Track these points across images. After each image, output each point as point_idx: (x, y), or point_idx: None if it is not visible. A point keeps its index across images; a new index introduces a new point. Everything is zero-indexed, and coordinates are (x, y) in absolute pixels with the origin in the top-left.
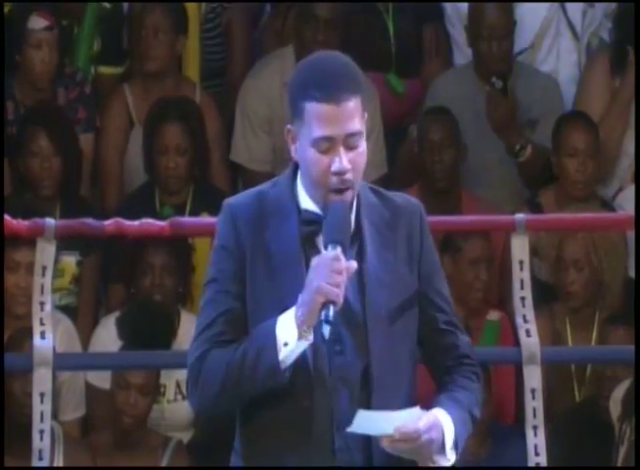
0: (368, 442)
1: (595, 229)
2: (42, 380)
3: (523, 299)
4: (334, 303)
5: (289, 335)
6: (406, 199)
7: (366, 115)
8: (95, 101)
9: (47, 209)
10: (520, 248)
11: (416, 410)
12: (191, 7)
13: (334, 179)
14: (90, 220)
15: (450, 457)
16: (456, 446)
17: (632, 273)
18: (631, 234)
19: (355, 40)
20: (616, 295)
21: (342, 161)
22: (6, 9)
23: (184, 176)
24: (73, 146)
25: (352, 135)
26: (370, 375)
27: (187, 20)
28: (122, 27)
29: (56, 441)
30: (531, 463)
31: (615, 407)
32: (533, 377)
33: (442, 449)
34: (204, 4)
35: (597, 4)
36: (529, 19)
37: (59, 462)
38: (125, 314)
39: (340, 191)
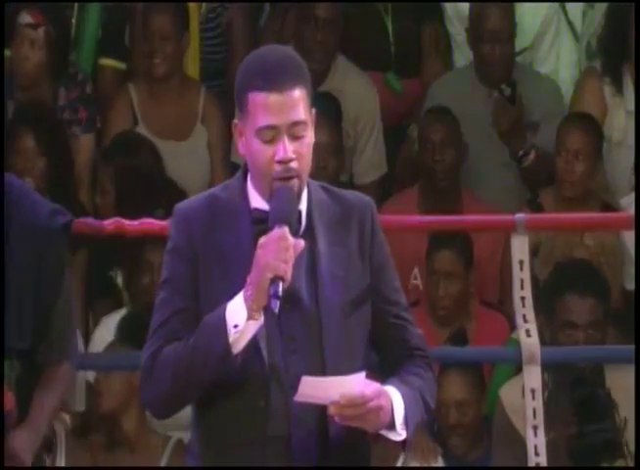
0: (325, 440)
1: (595, 229)
2: None
3: (523, 299)
4: (282, 278)
5: (238, 317)
6: (357, 196)
7: (314, 110)
8: (96, 101)
9: None
10: (520, 248)
11: (362, 375)
12: (191, 7)
13: (278, 168)
14: (90, 220)
15: (401, 433)
16: (406, 422)
17: (628, 285)
18: (628, 242)
19: (354, 40)
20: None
21: (286, 149)
22: None
23: None
24: (62, 147)
25: (296, 124)
26: (325, 372)
27: (188, 17)
28: (125, 20)
29: (57, 440)
30: (531, 463)
31: (516, 415)
32: (533, 377)
33: (392, 424)
34: (204, 4)
35: (597, 4)
36: (529, 19)
37: (61, 462)
38: (125, 316)
39: (284, 179)
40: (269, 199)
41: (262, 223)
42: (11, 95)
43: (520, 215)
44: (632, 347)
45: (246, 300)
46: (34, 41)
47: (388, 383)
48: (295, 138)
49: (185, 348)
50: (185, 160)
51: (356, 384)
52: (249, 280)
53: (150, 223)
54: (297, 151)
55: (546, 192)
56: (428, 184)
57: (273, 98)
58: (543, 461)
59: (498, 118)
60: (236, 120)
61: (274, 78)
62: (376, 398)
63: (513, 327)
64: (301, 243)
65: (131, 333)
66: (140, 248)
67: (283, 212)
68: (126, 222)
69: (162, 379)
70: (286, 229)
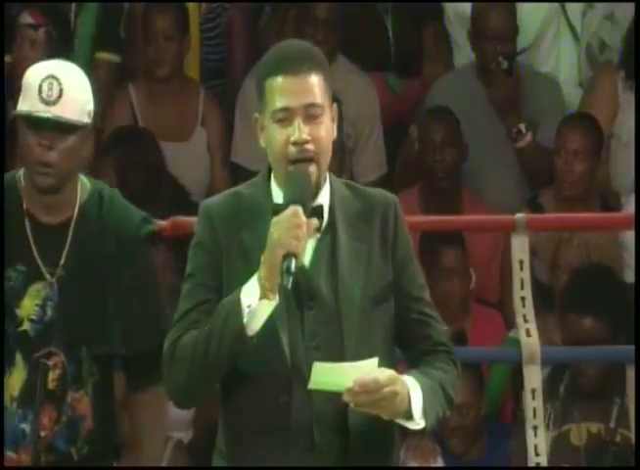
0: (347, 436)
1: (595, 229)
2: None
3: (523, 298)
4: (294, 255)
5: (252, 297)
6: (381, 192)
7: (335, 106)
8: (94, 97)
9: None
10: (520, 248)
11: (374, 361)
12: (191, 7)
13: (293, 149)
14: None
15: (420, 422)
16: (425, 411)
17: (627, 278)
18: (626, 240)
19: (355, 40)
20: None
21: (300, 130)
22: None
23: None
24: None
25: (311, 106)
26: None
27: (188, 19)
28: (120, 12)
29: None
30: (531, 463)
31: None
32: (533, 377)
33: (409, 413)
34: (204, 4)
35: (597, 5)
36: (529, 19)
37: None
38: None
39: (299, 161)
40: (284, 183)
41: None
42: (11, 95)
43: (520, 215)
44: (632, 347)
45: (259, 279)
46: (35, 41)
47: (407, 373)
48: (310, 121)
49: (202, 331)
50: (185, 161)
51: (370, 370)
52: (262, 259)
53: None
54: (313, 133)
55: (546, 192)
56: (428, 184)
57: (288, 81)
58: (543, 461)
59: (494, 91)
60: (257, 114)
61: (289, 63)
62: (390, 384)
63: (508, 324)
64: (315, 221)
65: None
66: None
67: (296, 194)
68: None
69: (181, 364)
70: (299, 208)
